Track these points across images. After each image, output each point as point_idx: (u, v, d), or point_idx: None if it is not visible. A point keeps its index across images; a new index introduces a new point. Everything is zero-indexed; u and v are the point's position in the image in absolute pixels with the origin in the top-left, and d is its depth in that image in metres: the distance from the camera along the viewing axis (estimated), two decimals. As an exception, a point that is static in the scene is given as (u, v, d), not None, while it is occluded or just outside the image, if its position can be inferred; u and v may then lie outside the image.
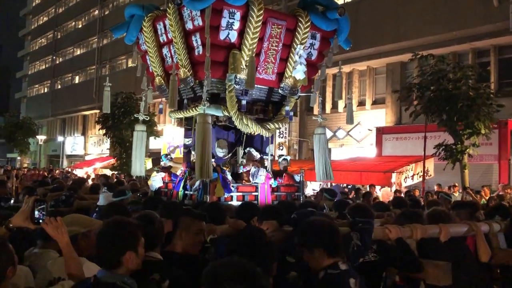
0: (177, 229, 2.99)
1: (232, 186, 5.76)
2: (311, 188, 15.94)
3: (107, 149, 31.21)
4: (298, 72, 5.87)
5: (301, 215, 3.03)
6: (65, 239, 2.61)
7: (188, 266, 2.75)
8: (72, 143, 40.72)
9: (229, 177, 5.80)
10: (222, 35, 5.45)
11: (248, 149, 6.20)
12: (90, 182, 13.53)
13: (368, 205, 4.59)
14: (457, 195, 11.94)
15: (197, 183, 5.68)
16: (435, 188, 13.13)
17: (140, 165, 6.28)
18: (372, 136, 19.90)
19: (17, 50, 59.35)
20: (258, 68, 5.78)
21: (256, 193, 5.94)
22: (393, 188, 13.53)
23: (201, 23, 5.29)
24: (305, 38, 5.92)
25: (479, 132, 12.51)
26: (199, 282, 1.78)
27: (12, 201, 5.07)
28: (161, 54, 6.24)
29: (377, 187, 14.33)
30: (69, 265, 2.57)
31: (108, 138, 23.90)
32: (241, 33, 5.53)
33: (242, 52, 5.52)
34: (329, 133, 21.19)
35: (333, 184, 13.46)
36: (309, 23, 5.87)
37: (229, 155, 6.23)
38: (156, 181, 6.45)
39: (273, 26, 5.70)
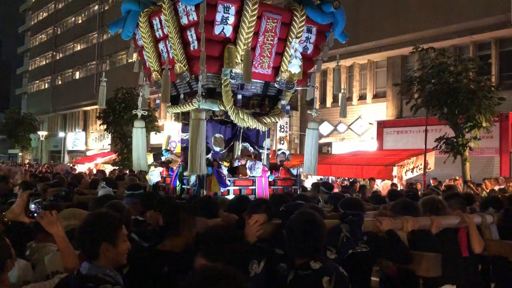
0: (178, 225, 2.99)
1: (229, 180, 5.76)
2: (312, 182, 15.95)
3: (108, 144, 31.24)
4: (293, 66, 5.87)
5: (290, 208, 3.04)
6: (60, 233, 2.60)
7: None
8: (74, 139, 40.76)
9: (225, 171, 5.77)
10: (217, 30, 5.43)
11: (243, 144, 6.20)
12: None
13: (361, 198, 4.58)
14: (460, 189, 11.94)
15: (193, 177, 5.70)
16: (431, 182, 13.16)
17: (142, 160, 6.31)
18: (373, 130, 19.90)
19: (17, 46, 59.31)
20: (254, 63, 5.77)
21: (253, 187, 5.95)
22: (395, 181, 13.56)
23: (196, 18, 5.28)
24: (300, 32, 5.89)
25: (480, 125, 12.51)
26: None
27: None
28: (158, 49, 6.24)
29: (378, 181, 14.34)
30: (65, 258, 2.58)
31: (109, 133, 23.90)
32: (236, 27, 5.51)
33: (237, 46, 5.51)
34: (330, 127, 21.25)
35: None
36: (304, 17, 5.85)
37: (226, 149, 6.23)
38: (154, 175, 6.46)
39: (268, 20, 5.68)
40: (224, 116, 5.90)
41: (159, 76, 6.18)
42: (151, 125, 22.68)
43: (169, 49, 5.94)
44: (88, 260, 2.32)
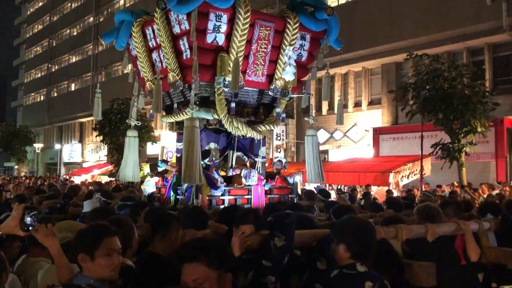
0: (165, 229, 2.97)
1: (221, 184, 5.70)
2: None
3: (104, 155, 31.15)
4: (287, 73, 5.86)
5: (277, 218, 2.94)
6: (56, 246, 2.58)
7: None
8: (70, 151, 40.63)
9: (216, 175, 5.72)
10: (209, 38, 5.43)
11: (237, 153, 6.16)
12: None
13: (354, 206, 4.50)
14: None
15: (184, 186, 5.65)
16: (423, 187, 13.18)
17: (133, 170, 6.23)
18: (369, 137, 19.93)
19: (12, 59, 59.26)
20: (248, 71, 5.76)
21: (249, 196, 5.89)
22: (392, 187, 13.55)
23: (188, 27, 5.27)
24: (294, 39, 5.90)
25: (476, 130, 12.55)
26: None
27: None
28: (151, 59, 6.23)
29: (373, 187, 14.32)
30: (61, 272, 2.56)
31: (105, 144, 23.88)
32: (229, 35, 5.51)
33: (230, 54, 5.50)
34: (326, 135, 21.27)
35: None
36: (297, 24, 5.85)
37: (221, 158, 6.19)
38: (150, 186, 6.41)
39: (261, 28, 5.68)
40: (219, 125, 5.87)
41: (152, 86, 6.18)
42: (148, 135, 22.68)
43: (162, 58, 5.94)
44: (80, 270, 2.38)
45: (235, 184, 5.95)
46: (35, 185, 16.82)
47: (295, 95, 6.54)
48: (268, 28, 5.74)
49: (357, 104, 21.28)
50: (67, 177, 27.46)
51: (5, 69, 75.52)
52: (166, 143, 26.16)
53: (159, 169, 6.73)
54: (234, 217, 3.43)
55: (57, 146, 41.10)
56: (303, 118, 22.00)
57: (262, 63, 5.87)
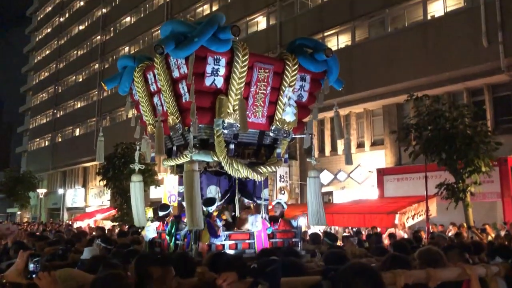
0: (150, 280, 2.87)
1: (222, 233, 5.58)
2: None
3: (108, 200, 31.03)
4: (287, 114, 5.88)
5: (261, 265, 2.85)
6: None
7: None
8: (73, 195, 40.52)
9: (219, 223, 5.62)
10: (207, 82, 5.49)
11: (238, 196, 6.08)
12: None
13: (345, 252, 4.23)
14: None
15: (184, 231, 5.56)
16: (431, 228, 13.00)
17: (141, 215, 6.19)
18: (373, 178, 19.83)
19: (18, 106, 60.19)
20: (247, 112, 5.78)
21: (250, 241, 5.76)
22: (395, 229, 13.35)
23: (187, 71, 5.33)
24: (293, 80, 5.94)
25: (480, 170, 12.49)
26: None
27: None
28: (152, 103, 6.30)
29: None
30: None
31: (108, 189, 23.84)
32: (228, 78, 5.56)
33: (229, 97, 5.53)
34: (330, 176, 21.20)
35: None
36: (297, 66, 5.90)
37: (222, 201, 6.11)
38: (150, 231, 6.30)
39: (260, 70, 5.75)
40: (219, 167, 5.84)
41: (154, 129, 6.22)
42: (151, 179, 22.66)
43: (162, 102, 6.00)
44: None
45: (235, 228, 5.84)
46: (38, 231, 16.65)
47: (297, 136, 6.52)
48: (267, 70, 5.80)
49: (360, 145, 21.32)
50: (70, 223, 27.25)
51: (11, 115, 76.65)
52: (169, 186, 26.15)
53: (160, 214, 6.66)
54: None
55: (61, 191, 41.05)
56: (306, 159, 22.03)
57: (262, 104, 5.90)
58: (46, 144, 48.03)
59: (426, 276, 3.25)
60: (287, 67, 5.87)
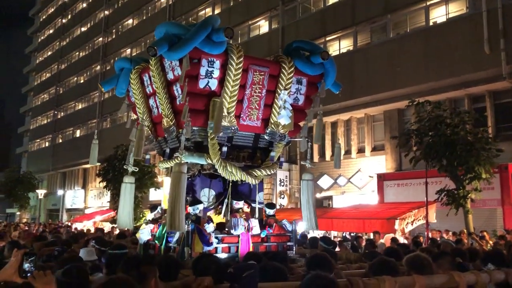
0: (143, 279, 2.83)
1: (216, 237, 5.52)
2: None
3: (107, 202, 30.97)
4: (282, 117, 5.83)
5: (237, 270, 2.78)
6: None
7: None
8: (72, 197, 40.50)
9: (210, 229, 5.51)
10: (201, 84, 5.44)
11: (230, 200, 6.00)
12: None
13: (331, 256, 4.15)
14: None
15: (177, 235, 5.49)
16: (431, 234, 12.93)
17: (128, 217, 6.11)
18: (373, 183, 19.77)
19: (19, 106, 60.31)
20: (242, 115, 5.73)
21: (236, 244, 5.70)
22: (397, 235, 13.27)
23: (181, 73, 5.31)
24: (289, 83, 5.88)
25: (480, 177, 12.44)
26: None
27: None
28: (148, 104, 6.27)
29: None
30: None
31: (108, 190, 23.81)
32: (222, 81, 5.51)
33: (223, 99, 5.48)
34: (330, 181, 21.14)
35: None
36: (293, 69, 5.85)
37: (216, 204, 6.05)
38: (144, 233, 6.22)
39: (255, 73, 5.69)
40: (213, 170, 5.78)
41: (149, 131, 6.18)
42: (150, 181, 22.63)
43: (158, 104, 5.97)
44: None
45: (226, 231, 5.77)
46: (37, 232, 16.60)
47: (292, 139, 6.46)
48: (263, 73, 5.75)
49: (361, 150, 21.26)
50: (69, 224, 27.18)
51: (12, 116, 76.82)
52: (168, 189, 26.12)
53: (151, 215, 6.58)
54: (205, 268, 3.25)
55: (60, 192, 41.05)
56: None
57: (257, 107, 5.84)
58: (47, 145, 48.05)
59: (412, 282, 3.15)
60: (283, 69, 5.82)
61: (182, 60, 5.15)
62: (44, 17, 53.74)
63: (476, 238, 11.63)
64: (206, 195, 5.99)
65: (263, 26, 25.68)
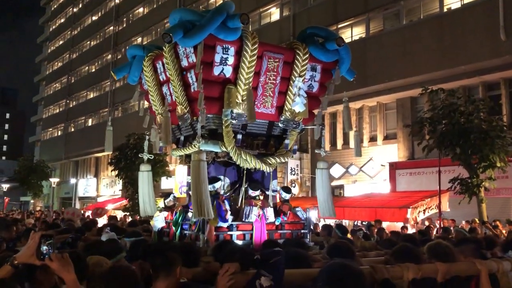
0: (167, 266, 2.84)
1: (231, 225, 5.55)
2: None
3: (119, 190, 31.26)
4: (297, 104, 5.76)
5: (264, 256, 2.79)
6: (71, 276, 2.53)
7: None
8: (85, 185, 40.94)
9: (227, 206, 5.58)
10: (216, 71, 5.39)
11: (246, 189, 6.00)
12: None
13: (351, 244, 4.13)
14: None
15: (192, 220, 5.51)
16: (443, 223, 12.85)
17: (150, 204, 6.16)
18: (385, 172, 19.68)
19: (32, 96, 60.84)
20: (256, 102, 5.66)
21: (250, 232, 5.71)
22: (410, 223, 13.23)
23: (195, 60, 5.25)
24: (304, 70, 5.80)
25: (495, 165, 12.30)
26: None
27: None
28: (161, 92, 6.23)
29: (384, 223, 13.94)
30: None
31: (120, 179, 23.97)
32: (236, 68, 5.45)
33: (238, 87, 5.43)
34: (341, 169, 21.08)
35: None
36: (307, 55, 5.77)
37: (230, 191, 6.05)
38: (159, 221, 6.27)
39: (269, 60, 5.63)
40: (227, 158, 5.76)
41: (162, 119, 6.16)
42: (162, 170, 22.73)
43: (171, 92, 5.93)
44: None
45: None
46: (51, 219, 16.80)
47: (306, 127, 6.40)
48: (277, 60, 5.68)
49: (373, 139, 21.14)
50: (82, 212, 27.47)
51: (25, 105, 77.56)
52: (180, 177, 26.23)
53: (166, 201, 6.63)
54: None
55: (73, 181, 41.49)
56: (318, 152, 21.90)
57: (271, 94, 5.78)
58: (59, 134, 48.49)
59: (435, 269, 3.19)
60: (297, 56, 5.74)
61: (197, 47, 5.10)
62: (55, 6, 53.90)
63: (489, 227, 11.55)
64: (221, 182, 5.97)
65: (274, 13, 25.48)
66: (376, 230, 11.34)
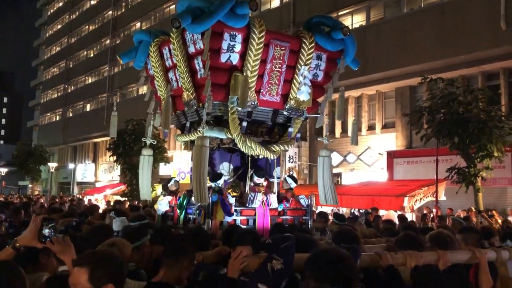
0: (178, 255, 2.91)
1: (235, 210, 5.65)
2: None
3: (117, 175, 31.31)
4: (302, 93, 5.81)
5: (276, 240, 2.86)
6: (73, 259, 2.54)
7: None
8: (83, 170, 40.96)
9: (231, 200, 5.65)
10: (223, 58, 5.41)
11: (251, 175, 6.08)
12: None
13: (355, 230, 4.24)
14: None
15: (197, 205, 5.59)
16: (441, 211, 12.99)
17: (146, 189, 6.23)
18: (383, 160, 19.76)
19: (30, 80, 60.50)
20: (262, 90, 5.71)
21: (253, 217, 5.80)
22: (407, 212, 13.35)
23: (202, 47, 5.28)
24: (309, 59, 5.83)
25: (492, 155, 12.38)
26: None
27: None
28: (167, 78, 6.25)
29: (381, 211, 14.07)
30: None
31: (118, 164, 24.02)
32: (243, 55, 5.48)
33: (244, 74, 5.47)
34: (339, 158, 21.14)
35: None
36: (313, 44, 5.80)
37: (234, 177, 6.13)
38: (163, 205, 6.37)
39: (276, 48, 5.65)
40: (232, 144, 5.82)
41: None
42: (161, 156, 22.76)
43: (178, 77, 5.96)
44: None
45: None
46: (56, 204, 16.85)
47: (310, 115, 6.45)
48: (283, 48, 5.70)
49: (371, 128, 21.19)
50: (80, 197, 27.57)
51: (23, 89, 77.17)
52: (179, 164, 26.30)
53: (169, 185, 6.70)
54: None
55: (71, 166, 41.50)
56: (316, 140, 21.95)
57: (277, 82, 5.82)
58: (57, 118, 48.36)
59: (436, 258, 3.30)
60: (303, 45, 5.77)
61: (205, 34, 5.12)
62: (53, -11, 53.41)
63: (485, 216, 11.67)
64: (226, 168, 6.07)
65: (274, 0, 25.33)
66: (372, 218, 11.46)
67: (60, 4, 50.95)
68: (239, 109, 5.52)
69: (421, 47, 17.76)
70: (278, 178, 6.37)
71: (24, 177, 44.63)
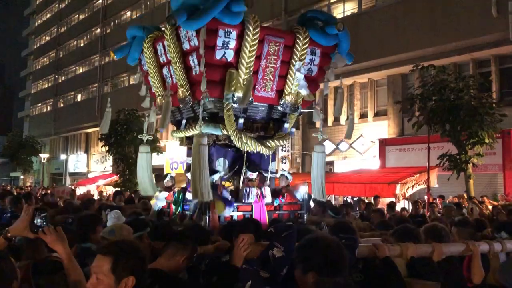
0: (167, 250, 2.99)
1: (232, 202, 5.69)
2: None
3: (110, 166, 31.22)
4: (302, 88, 5.83)
5: (277, 229, 2.94)
6: (66, 250, 2.55)
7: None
8: (75, 161, 40.79)
9: (227, 195, 5.71)
10: (218, 55, 5.40)
11: (245, 171, 6.10)
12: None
13: (349, 221, 4.32)
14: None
15: (194, 202, 5.60)
16: (432, 198, 13.13)
17: (149, 185, 6.20)
18: (375, 148, 19.87)
19: (19, 70, 59.84)
20: (257, 86, 5.70)
21: (250, 213, 5.80)
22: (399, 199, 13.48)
23: (197, 43, 5.25)
24: (304, 54, 5.84)
25: (483, 142, 12.49)
26: None
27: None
28: (162, 74, 6.21)
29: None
30: (71, 275, 2.54)
31: (111, 155, 23.92)
32: (238, 51, 5.47)
33: (239, 70, 5.47)
34: (332, 146, 21.21)
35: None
36: (307, 39, 5.80)
37: (230, 173, 6.14)
38: (161, 200, 6.35)
39: (270, 44, 5.65)
40: (228, 140, 5.83)
41: (163, 101, 6.17)
42: (153, 146, 22.70)
43: (172, 74, 5.93)
44: None
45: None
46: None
47: (305, 110, 6.47)
48: (278, 44, 5.70)
49: (363, 116, 21.26)
50: (73, 188, 27.48)
51: (13, 80, 76.30)
52: (171, 153, 26.26)
53: (164, 182, 6.68)
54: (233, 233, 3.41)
55: (63, 157, 41.29)
56: (308, 129, 21.98)
57: (272, 78, 5.82)
58: (48, 109, 48.00)
59: (431, 250, 3.42)
60: (297, 40, 5.76)
61: (200, 31, 5.10)
62: (41, -22, 52.64)
63: (476, 202, 11.79)
64: (222, 164, 6.06)
65: (265, -12, 25.15)
66: (364, 206, 11.57)
67: (49, -8, 50.31)
68: (234, 105, 5.53)
69: (413, 35, 17.78)
70: (273, 173, 6.40)
71: (16, 169, 44.39)
